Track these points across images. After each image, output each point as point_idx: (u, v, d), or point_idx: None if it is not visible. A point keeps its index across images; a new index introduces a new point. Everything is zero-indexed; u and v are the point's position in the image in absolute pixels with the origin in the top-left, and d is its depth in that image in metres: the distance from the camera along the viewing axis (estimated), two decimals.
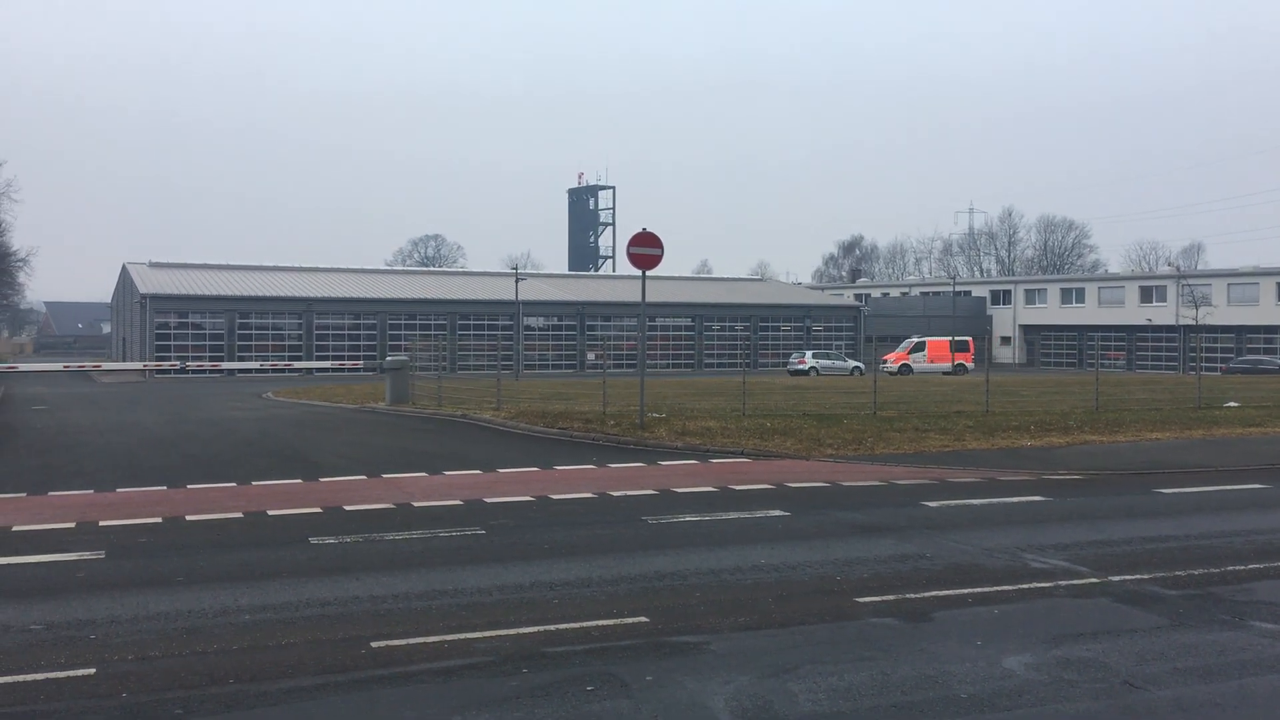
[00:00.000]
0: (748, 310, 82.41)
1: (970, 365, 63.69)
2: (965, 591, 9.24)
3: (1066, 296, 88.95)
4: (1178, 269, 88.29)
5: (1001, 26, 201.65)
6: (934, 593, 9.18)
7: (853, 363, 66.47)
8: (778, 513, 13.15)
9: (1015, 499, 14.52)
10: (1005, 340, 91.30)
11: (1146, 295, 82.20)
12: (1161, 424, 24.75)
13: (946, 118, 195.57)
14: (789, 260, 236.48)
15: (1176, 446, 20.69)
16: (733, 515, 12.98)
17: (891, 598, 8.97)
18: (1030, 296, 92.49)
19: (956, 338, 66.35)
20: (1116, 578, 9.78)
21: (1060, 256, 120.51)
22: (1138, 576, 9.83)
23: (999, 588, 9.38)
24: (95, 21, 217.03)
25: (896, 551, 10.85)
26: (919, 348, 64.23)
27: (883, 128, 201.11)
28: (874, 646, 7.63)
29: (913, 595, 9.07)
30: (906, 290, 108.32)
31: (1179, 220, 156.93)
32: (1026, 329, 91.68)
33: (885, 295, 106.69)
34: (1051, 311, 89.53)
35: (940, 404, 31.42)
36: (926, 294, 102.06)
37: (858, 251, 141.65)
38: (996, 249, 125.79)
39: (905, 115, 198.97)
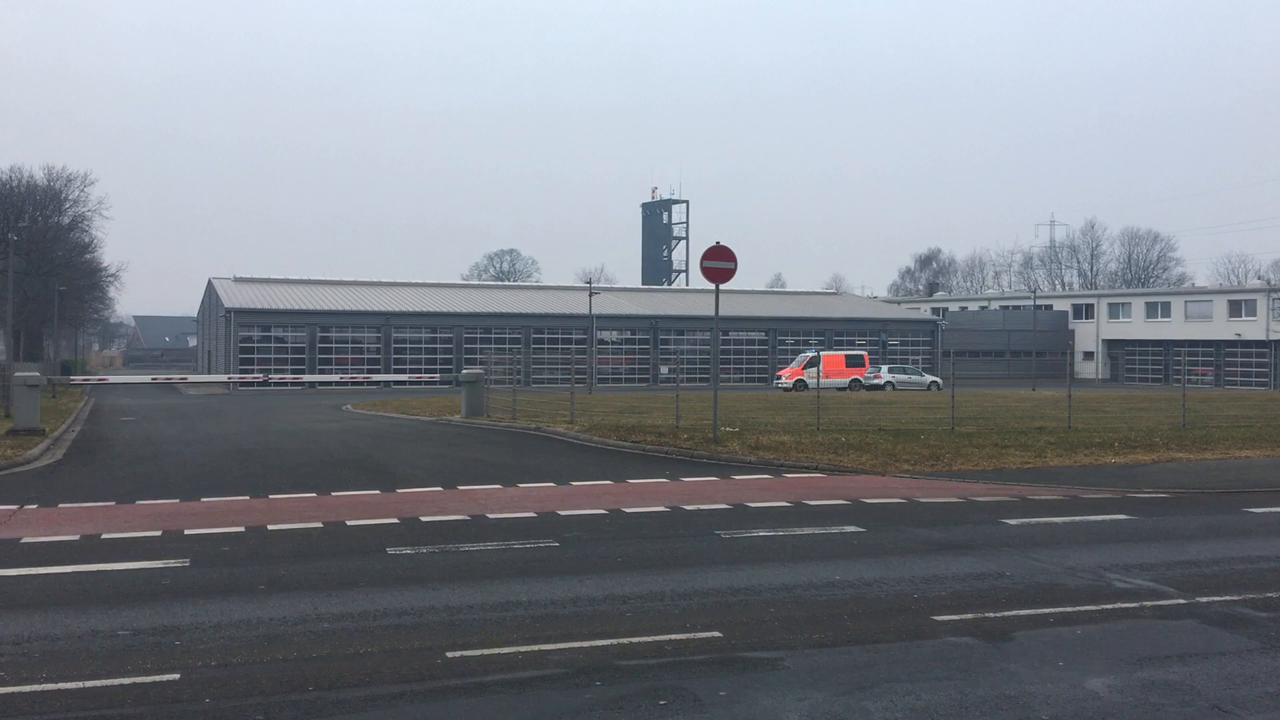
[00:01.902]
0: (822, 324, 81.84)
1: (864, 380, 61.23)
2: (1047, 611, 9.04)
3: (1152, 310, 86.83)
4: (1268, 282, 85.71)
5: (1083, 35, 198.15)
6: (1014, 612, 9.00)
7: (930, 377, 65.56)
8: (853, 529, 13.01)
9: (1099, 517, 14.19)
10: (1088, 355, 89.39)
11: (1235, 309, 79.86)
12: (1251, 441, 24.02)
13: (1027, 128, 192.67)
14: (864, 274, 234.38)
15: (1267, 464, 20.05)
16: (807, 531, 12.86)
17: (970, 616, 8.81)
18: (1114, 311, 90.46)
19: (851, 352, 64.28)
20: (1204, 599, 9.49)
21: (1145, 270, 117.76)
22: (1226, 598, 9.54)
23: (1082, 608, 9.16)
24: (182, 43, 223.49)
25: (975, 569, 10.66)
26: (813, 363, 60.57)
27: (962, 138, 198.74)
28: (952, 666, 7.50)
29: (992, 614, 8.90)
30: (985, 304, 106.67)
31: (1269, 232, 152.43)
32: (1110, 344, 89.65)
33: (963, 309, 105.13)
34: (1136, 326, 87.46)
35: (1020, 420, 30.85)
36: (1006, 308, 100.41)
37: (935, 264, 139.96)
38: (1079, 262, 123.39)
39: (984, 125, 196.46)
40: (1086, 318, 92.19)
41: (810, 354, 62.29)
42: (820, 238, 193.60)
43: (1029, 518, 14.00)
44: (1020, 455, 20.81)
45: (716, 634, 8.23)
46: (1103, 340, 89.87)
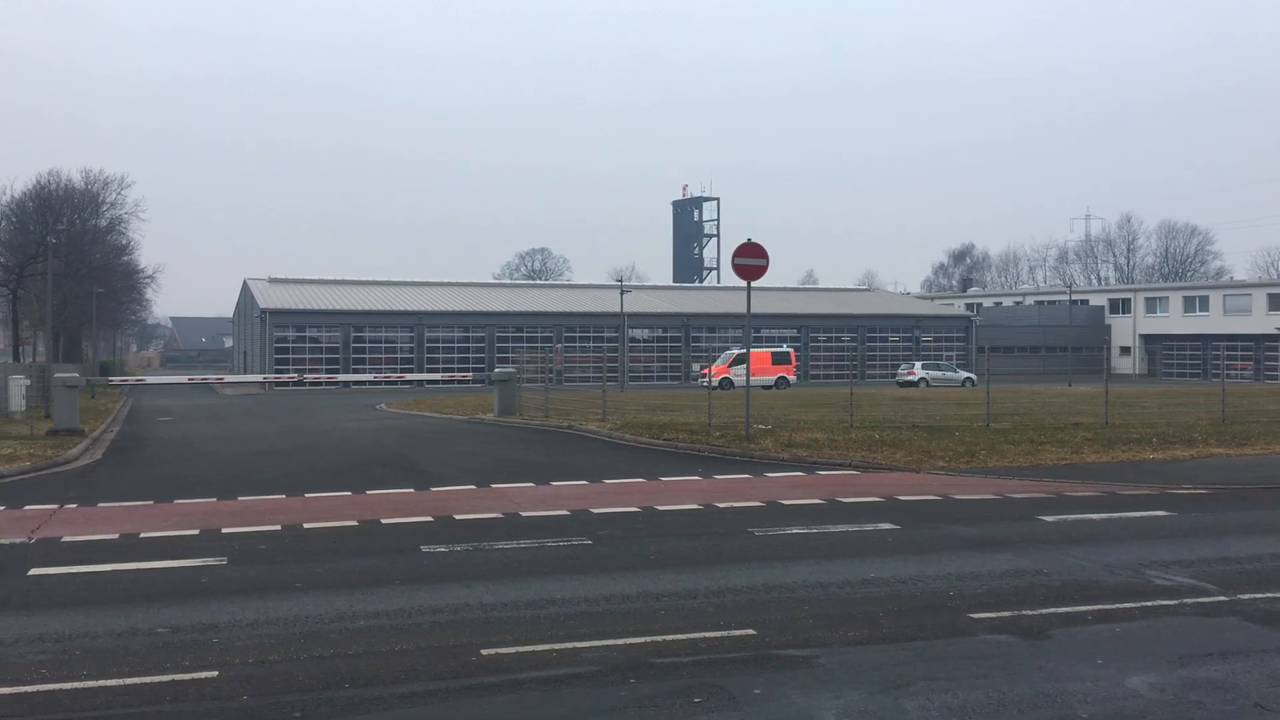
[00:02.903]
0: (854, 321, 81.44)
1: (792, 379, 59.79)
2: (1085, 609, 8.95)
3: (1189, 305, 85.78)
4: None
5: (1119, 24, 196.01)
6: (1052, 609, 8.91)
7: (964, 374, 65.09)
8: (887, 526, 12.93)
9: (1137, 514, 14.03)
10: (1125, 350, 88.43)
11: (1275, 303, 78.72)
12: None
13: (1062, 120, 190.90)
14: (897, 270, 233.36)
15: None
16: (841, 528, 12.80)
17: (1007, 614, 8.73)
18: (1151, 305, 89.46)
19: (777, 349, 63.14)
20: (1246, 596, 9.36)
21: (1182, 263, 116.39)
22: (1268, 594, 9.40)
23: (1121, 605, 9.06)
24: (214, 47, 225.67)
25: (1012, 567, 10.57)
26: (740, 360, 58.72)
27: (994, 132, 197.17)
28: (989, 664, 7.44)
29: (1029, 612, 8.82)
30: (1020, 299, 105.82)
31: None
32: (1147, 339, 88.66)
33: (998, 304, 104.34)
34: (1174, 320, 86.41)
35: (1057, 416, 30.57)
36: (1041, 303, 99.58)
37: (969, 260, 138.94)
38: (1115, 256, 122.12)
39: (1019, 118, 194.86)
40: (1123, 312, 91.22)
41: (736, 351, 60.67)
42: (853, 234, 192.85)
43: (1066, 514, 13.87)
44: (1057, 451, 20.62)
45: (750, 632, 8.20)
46: (1140, 335, 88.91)
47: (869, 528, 12.82)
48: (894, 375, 68.12)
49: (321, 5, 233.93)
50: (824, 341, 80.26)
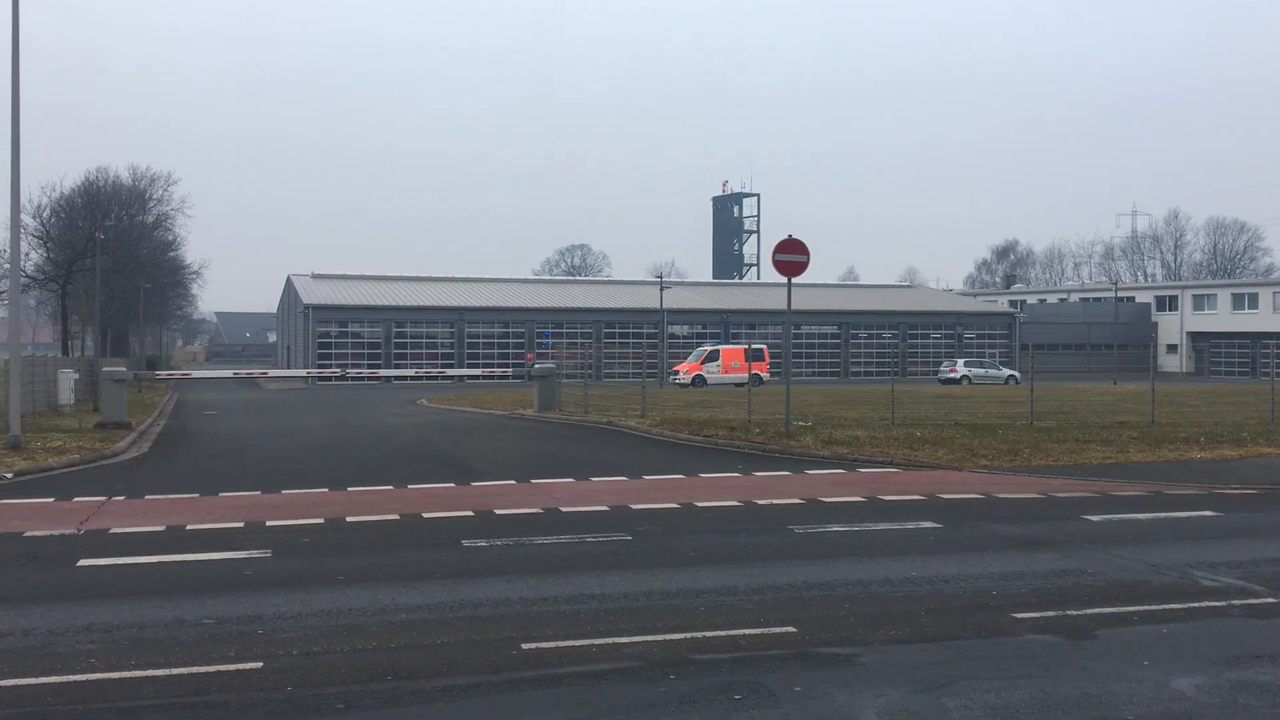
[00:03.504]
0: (896, 318, 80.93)
1: (766, 376, 58.20)
2: (1130, 609, 8.83)
3: (1239, 302, 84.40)
4: None
5: (1163, 16, 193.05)
6: (1097, 610, 8.81)
7: (1007, 371, 64.47)
8: (929, 524, 12.84)
9: (1184, 513, 13.82)
10: (1172, 349, 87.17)
11: None
12: None
13: (1107, 115, 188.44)
14: (939, 266, 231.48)
15: None
16: (882, 526, 12.73)
17: (1051, 614, 8.64)
18: (1199, 302, 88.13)
19: (752, 346, 61.85)
20: None
21: (1231, 260, 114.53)
22: None
23: (1167, 606, 8.93)
24: (255, 48, 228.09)
25: (1056, 566, 10.46)
26: (712, 357, 58.68)
27: (1038, 127, 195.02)
28: (1033, 664, 7.36)
29: (1074, 612, 8.72)
30: (1065, 296, 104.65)
31: None
32: (1194, 336, 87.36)
33: (1042, 301, 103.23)
34: (1222, 318, 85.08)
35: (1102, 414, 30.20)
36: (1086, 300, 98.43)
37: (1012, 256, 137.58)
38: (1162, 253, 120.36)
39: (1063, 113, 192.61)
40: (1170, 310, 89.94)
41: (709, 348, 60.24)
42: (895, 231, 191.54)
43: (1111, 514, 13.69)
44: (1102, 450, 20.37)
45: (791, 629, 8.18)
46: (1187, 333, 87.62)
47: (910, 526, 12.73)
48: (936, 373, 67.62)
49: (363, 7, 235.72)
50: (865, 338, 79.83)
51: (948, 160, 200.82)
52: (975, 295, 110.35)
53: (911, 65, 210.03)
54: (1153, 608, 8.88)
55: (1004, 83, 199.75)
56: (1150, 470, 17.86)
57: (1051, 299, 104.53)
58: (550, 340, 70.83)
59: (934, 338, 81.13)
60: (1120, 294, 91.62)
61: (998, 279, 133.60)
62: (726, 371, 56.85)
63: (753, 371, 58.18)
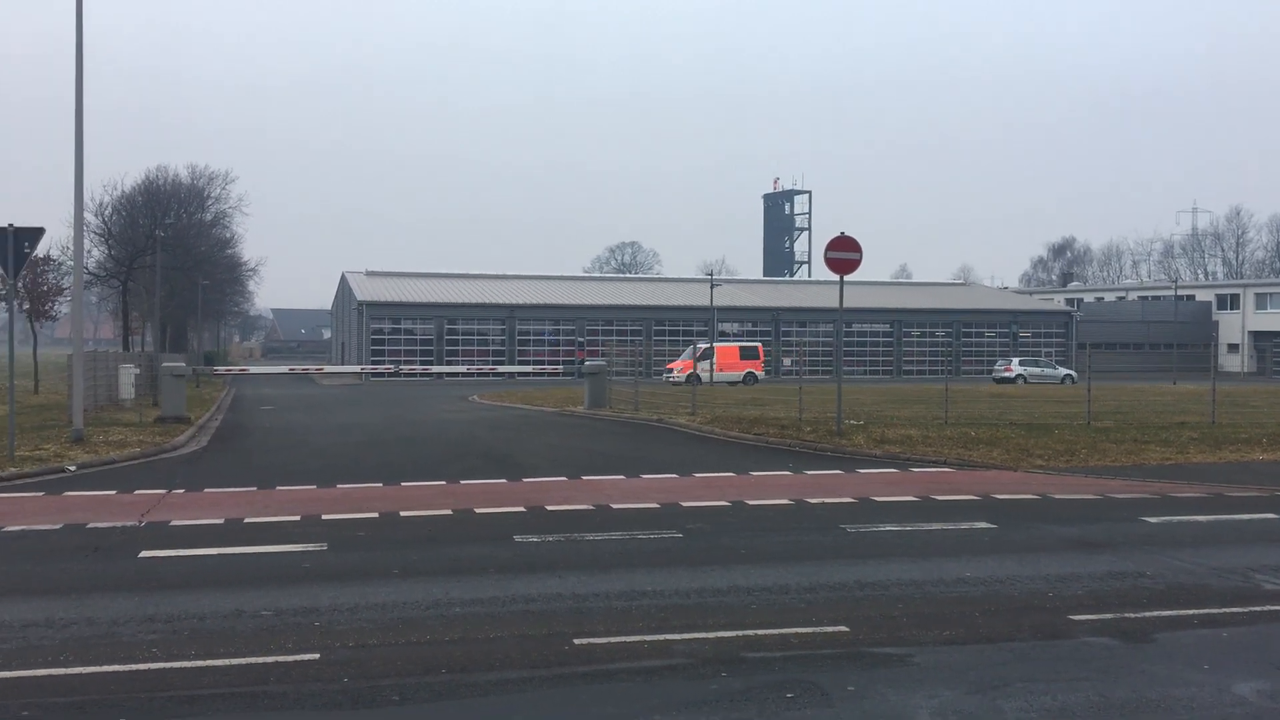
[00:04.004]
0: (949, 316, 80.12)
1: (760, 374, 57.48)
2: (1190, 612, 8.69)
3: None
4: None
5: (1219, 9, 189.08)
6: (1155, 613, 8.67)
7: (1064, 371, 63.58)
8: (984, 525, 12.71)
9: (1246, 516, 13.56)
10: (1233, 348, 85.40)
11: None
12: None
13: (1167, 110, 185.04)
14: (994, 264, 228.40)
15: None
16: (936, 526, 12.62)
17: (1109, 616, 8.52)
18: (1261, 301, 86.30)
19: (745, 344, 59.95)
20: None
21: None
22: None
23: (1228, 609, 8.78)
24: (310, 49, 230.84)
25: (1114, 568, 10.31)
26: (706, 355, 56.77)
27: (1097, 122, 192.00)
28: (1090, 666, 7.27)
29: (1132, 614, 8.59)
30: (1123, 294, 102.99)
31: None
32: (1257, 336, 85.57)
33: (1099, 300, 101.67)
34: None
35: (1161, 414, 29.71)
36: (1145, 298, 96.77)
37: (1069, 254, 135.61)
38: (1223, 250, 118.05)
39: (1120, 108, 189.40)
40: (1231, 308, 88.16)
41: (703, 346, 58.72)
42: (948, 228, 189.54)
43: (1170, 516, 13.47)
44: (1161, 451, 20.03)
45: (843, 629, 8.14)
46: (1249, 332, 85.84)
47: (965, 526, 12.61)
48: (990, 372, 66.85)
49: (409, 9, 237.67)
50: (918, 337, 79.13)
51: (1004, 156, 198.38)
52: (1031, 293, 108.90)
53: (967, 59, 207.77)
54: (1213, 611, 8.73)
55: (1059, 76, 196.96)
56: (1211, 472, 17.53)
57: (1109, 297, 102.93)
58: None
59: (988, 336, 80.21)
60: (1180, 292, 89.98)
61: (1054, 277, 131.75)
62: (722, 369, 55.86)
63: (748, 370, 57.60)
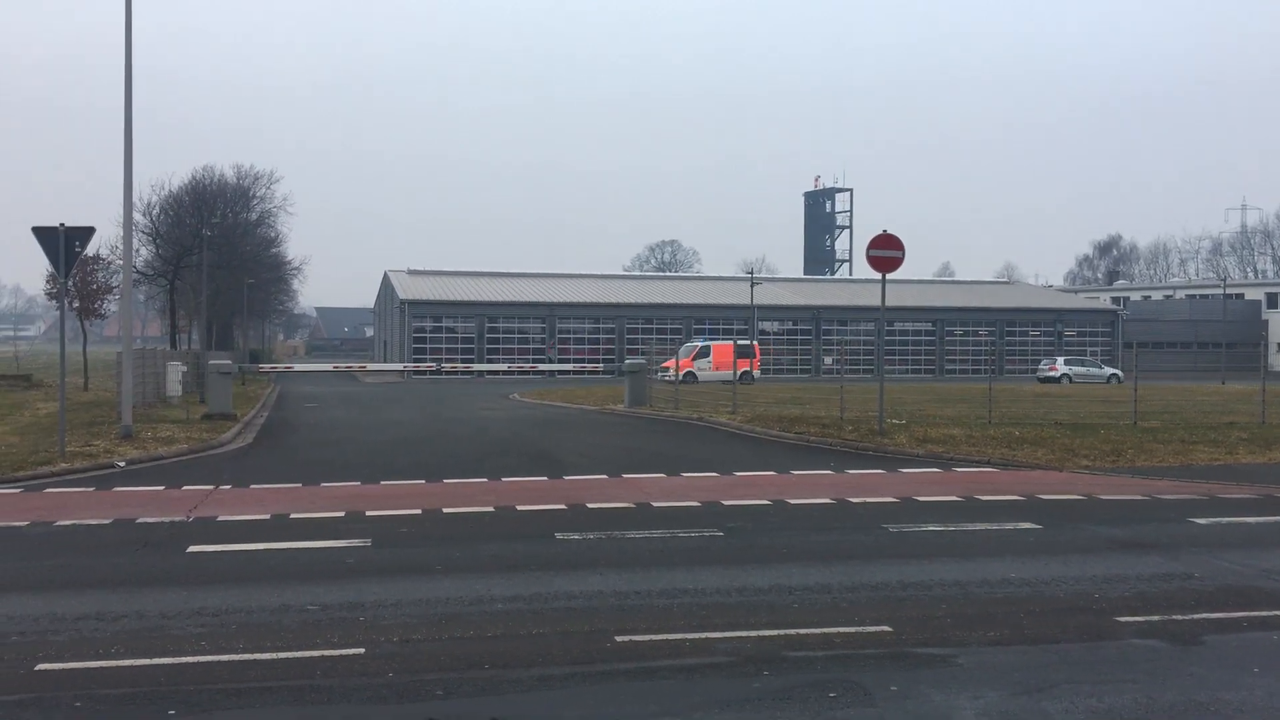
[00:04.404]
0: (993, 315, 79.38)
1: (757, 374, 56.11)
2: (1240, 615, 8.56)
3: None
4: None
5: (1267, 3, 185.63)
6: (1204, 615, 8.55)
7: (1109, 370, 62.77)
8: (1028, 525, 12.59)
9: None
10: None
11: None
12: None
13: (1215, 105, 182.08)
14: (1038, 262, 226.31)
15: None
16: (979, 526, 12.52)
17: (1156, 618, 8.42)
18: None
19: (740, 342, 58.74)
20: None
21: None
22: None
23: (1278, 612, 8.64)
24: (352, 54, 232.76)
25: (1161, 570, 10.18)
26: (704, 353, 55.99)
27: (1143, 117, 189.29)
28: (1137, 669, 7.19)
29: (1180, 616, 8.48)
30: (1170, 293, 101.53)
31: None
32: None
33: (1146, 298, 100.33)
34: None
35: (1209, 415, 29.27)
36: (1193, 297, 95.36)
37: (1115, 252, 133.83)
38: (1273, 248, 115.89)
39: (1168, 104, 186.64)
40: None
41: (700, 344, 57.77)
42: (991, 226, 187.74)
43: (1219, 517, 13.27)
44: (1209, 451, 19.74)
45: (886, 629, 8.10)
46: None
47: (1009, 526, 12.50)
48: (1034, 371, 66.14)
49: (447, 12, 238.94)
50: (960, 336, 78.47)
51: (1048, 153, 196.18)
52: (1076, 292, 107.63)
53: (1005, 57, 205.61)
54: (1263, 614, 8.60)
55: (1106, 75, 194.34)
56: (1260, 472, 17.25)
57: (1156, 296, 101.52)
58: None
59: (1033, 335, 79.39)
60: (1229, 291, 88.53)
61: (1100, 275, 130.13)
62: (718, 368, 54.21)
63: (743, 369, 56.10)
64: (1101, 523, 12.80)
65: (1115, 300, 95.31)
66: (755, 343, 61.43)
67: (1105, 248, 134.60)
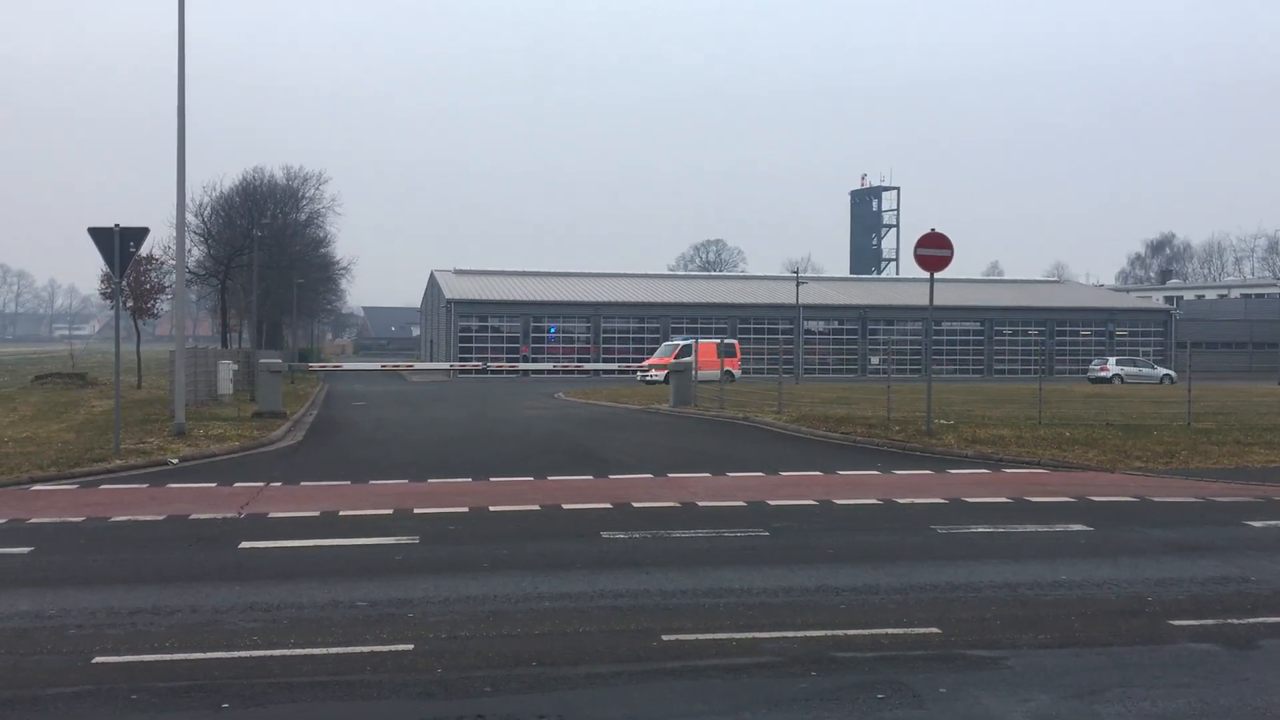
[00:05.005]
0: (1042, 314, 78.47)
1: (738, 373, 54.18)
2: None
3: None
4: None
5: None
6: (1261, 619, 8.40)
7: (1162, 370, 61.82)
8: (1079, 527, 12.43)
9: None
10: None
11: None
12: None
13: (1271, 100, 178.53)
14: (1089, 261, 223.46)
15: None
16: (1029, 528, 12.38)
17: (1211, 622, 8.27)
18: None
19: (722, 341, 55.85)
20: None
21: None
22: None
23: None
24: (393, 59, 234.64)
25: (1217, 573, 10.00)
26: (686, 353, 51.64)
27: (1194, 112, 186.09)
28: (1191, 673, 7.07)
29: (1236, 620, 8.33)
30: (1224, 292, 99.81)
31: None
32: None
33: (1200, 298, 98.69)
34: None
35: (1265, 416, 28.73)
36: (1248, 296, 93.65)
37: (1168, 250, 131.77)
38: None
39: (1222, 101, 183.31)
40: None
41: (681, 342, 55.30)
42: (1041, 224, 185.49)
43: (1276, 520, 13.01)
44: (1265, 453, 19.37)
45: (935, 630, 8.03)
46: None
47: (1060, 528, 12.35)
48: (1084, 371, 65.30)
49: (497, 13, 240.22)
50: (1009, 335, 77.63)
51: (1099, 151, 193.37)
52: (1128, 291, 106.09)
53: (1057, 51, 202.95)
54: None
55: (1159, 72, 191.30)
56: None
57: (1210, 295, 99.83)
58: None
59: (1083, 335, 78.37)
60: None
61: (1152, 274, 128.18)
62: (703, 368, 53.40)
63: (725, 368, 54.55)
64: (1155, 525, 12.60)
65: (1168, 299, 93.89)
66: (736, 342, 60.38)
67: (1158, 246, 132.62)
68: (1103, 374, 59.99)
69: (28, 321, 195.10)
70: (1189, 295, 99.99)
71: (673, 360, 52.88)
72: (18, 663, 7.26)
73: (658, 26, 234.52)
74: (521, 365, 60.66)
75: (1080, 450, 19.82)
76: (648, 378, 51.77)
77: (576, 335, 72.09)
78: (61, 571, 10.11)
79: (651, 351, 69.39)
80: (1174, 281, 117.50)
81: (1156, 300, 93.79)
